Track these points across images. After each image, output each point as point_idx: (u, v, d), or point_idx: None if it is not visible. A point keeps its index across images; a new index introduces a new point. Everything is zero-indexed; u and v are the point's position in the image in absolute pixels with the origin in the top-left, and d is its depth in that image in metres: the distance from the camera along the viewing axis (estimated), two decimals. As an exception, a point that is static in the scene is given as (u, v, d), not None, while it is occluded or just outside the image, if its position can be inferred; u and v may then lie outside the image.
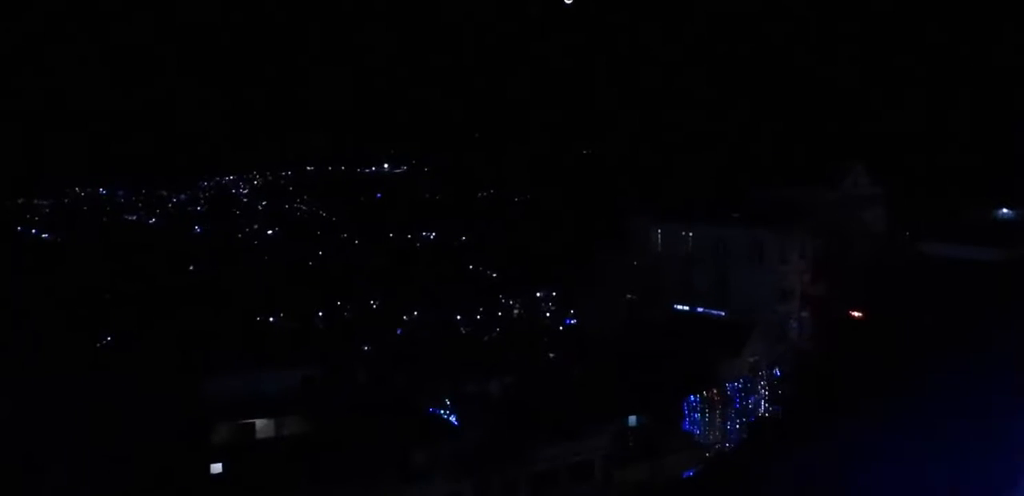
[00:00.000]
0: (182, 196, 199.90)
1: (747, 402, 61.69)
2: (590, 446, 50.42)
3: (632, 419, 55.35)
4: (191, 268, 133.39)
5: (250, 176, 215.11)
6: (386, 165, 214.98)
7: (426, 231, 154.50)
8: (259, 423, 50.56)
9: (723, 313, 71.59)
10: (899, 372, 46.99)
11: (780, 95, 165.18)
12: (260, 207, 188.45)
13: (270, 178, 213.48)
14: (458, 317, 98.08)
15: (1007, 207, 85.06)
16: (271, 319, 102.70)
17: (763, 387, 62.95)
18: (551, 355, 73.72)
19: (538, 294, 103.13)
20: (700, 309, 73.33)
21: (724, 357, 62.96)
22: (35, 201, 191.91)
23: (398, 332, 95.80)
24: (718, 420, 59.50)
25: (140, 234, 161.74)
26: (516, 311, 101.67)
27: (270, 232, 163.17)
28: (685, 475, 53.30)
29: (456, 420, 52.72)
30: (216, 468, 46.33)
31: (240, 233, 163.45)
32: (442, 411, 54.13)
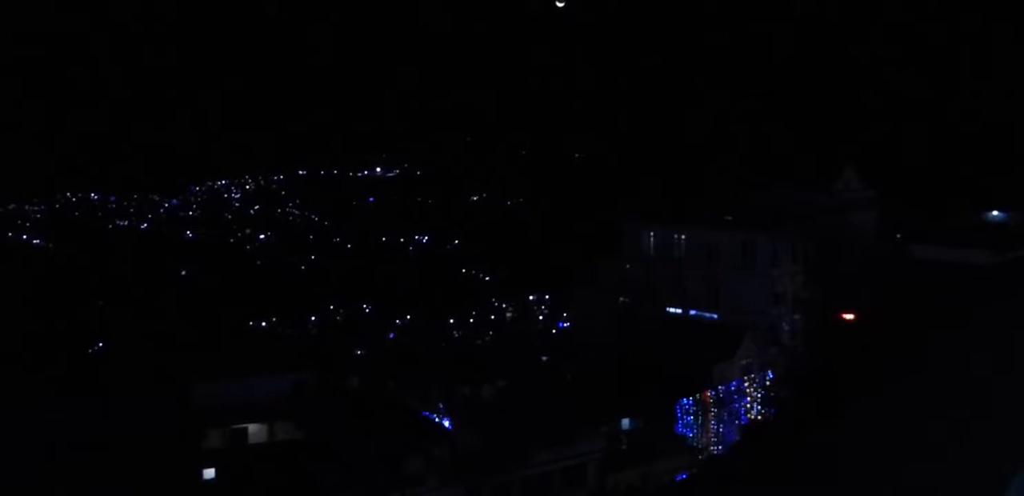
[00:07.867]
0: (174, 201, 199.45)
1: (740, 405, 61.75)
2: (583, 450, 50.42)
3: (625, 422, 55.40)
4: (183, 273, 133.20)
5: (242, 181, 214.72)
6: (378, 169, 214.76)
7: (419, 235, 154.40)
8: (251, 428, 50.48)
9: (716, 316, 71.68)
10: (891, 374, 47.13)
11: (772, 99, 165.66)
12: (252, 212, 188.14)
13: (262, 183, 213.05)
14: (451, 321, 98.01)
15: (998, 209, 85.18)
16: (263, 324, 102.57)
17: (756, 390, 63.03)
18: (544, 359, 73.68)
19: (531, 298, 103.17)
20: (693, 312, 73.41)
21: (717, 360, 63.01)
22: (26, 207, 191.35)
23: (391, 336, 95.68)
24: (711, 423, 59.55)
25: (132, 239, 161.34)
26: (509, 315, 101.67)
27: (262, 237, 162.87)
28: (678, 478, 53.29)
29: (449, 424, 52.66)
30: (208, 473, 46.27)
31: (232, 238, 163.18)
32: (435, 415, 54.07)
